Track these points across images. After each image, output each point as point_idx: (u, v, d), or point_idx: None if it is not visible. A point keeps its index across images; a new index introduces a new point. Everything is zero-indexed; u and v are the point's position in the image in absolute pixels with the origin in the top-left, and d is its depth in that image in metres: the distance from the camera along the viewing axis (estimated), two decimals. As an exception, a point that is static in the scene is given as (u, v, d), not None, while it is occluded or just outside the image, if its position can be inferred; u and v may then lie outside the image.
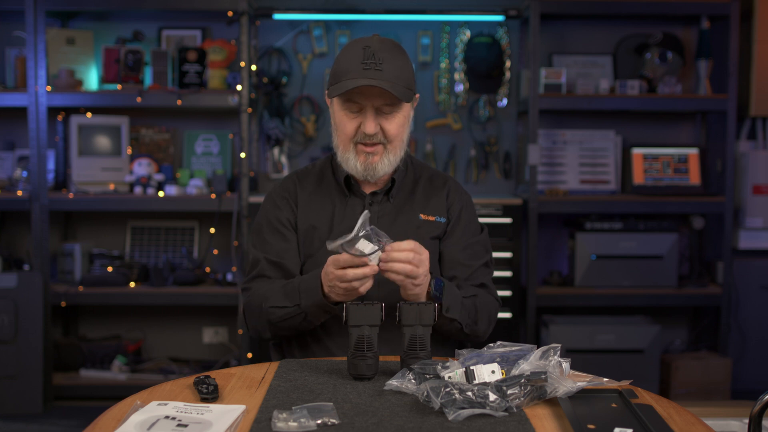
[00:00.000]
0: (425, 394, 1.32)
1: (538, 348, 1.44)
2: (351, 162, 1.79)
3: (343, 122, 1.77)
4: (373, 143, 1.76)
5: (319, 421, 1.26)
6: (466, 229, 1.89)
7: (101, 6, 3.71)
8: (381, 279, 1.79)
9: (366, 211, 1.51)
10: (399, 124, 1.77)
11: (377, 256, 1.54)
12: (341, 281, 1.59)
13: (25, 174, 3.73)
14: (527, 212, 3.70)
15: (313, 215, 1.85)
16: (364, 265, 1.56)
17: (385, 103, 1.74)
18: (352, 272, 1.56)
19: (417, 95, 1.83)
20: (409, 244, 1.60)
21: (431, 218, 1.86)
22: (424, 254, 1.63)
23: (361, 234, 1.50)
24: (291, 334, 1.80)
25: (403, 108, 1.77)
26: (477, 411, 1.29)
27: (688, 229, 3.99)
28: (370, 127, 1.74)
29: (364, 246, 1.50)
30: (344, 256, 1.55)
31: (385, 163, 1.78)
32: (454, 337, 1.81)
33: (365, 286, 1.60)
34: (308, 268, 1.82)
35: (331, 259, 1.60)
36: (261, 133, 3.97)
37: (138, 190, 3.69)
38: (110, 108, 3.81)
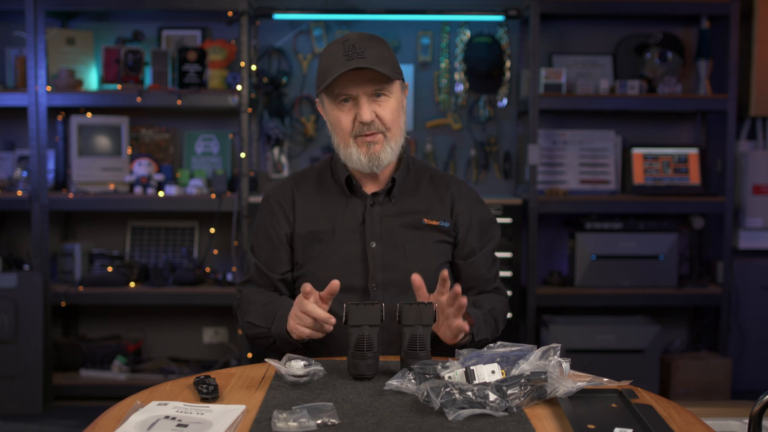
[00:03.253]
0: (425, 394, 1.32)
1: (538, 348, 1.44)
2: (354, 156, 1.77)
3: (338, 118, 1.76)
4: (372, 132, 1.75)
5: (319, 421, 1.26)
6: (481, 233, 1.90)
7: (101, 6, 3.71)
8: (383, 280, 1.79)
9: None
10: (393, 109, 1.77)
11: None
12: (305, 319, 1.60)
13: (25, 174, 3.73)
14: (527, 212, 3.70)
15: (314, 219, 1.84)
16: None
17: (375, 89, 1.73)
18: (316, 312, 1.58)
19: (407, 84, 1.84)
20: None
21: (435, 222, 1.85)
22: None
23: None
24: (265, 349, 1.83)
25: (393, 92, 1.77)
26: (477, 411, 1.29)
27: (688, 229, 3.99)
28: (366, 114, 1.73)
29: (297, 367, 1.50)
30: (310, 307, 1.58)
31: (388, 151, 1.78)
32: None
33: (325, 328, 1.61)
34: (309, 271, 1.82)
35: (298, 300, 1.61)
36: (261, 133, 3.97)
37: (138, 190, 3.69)
38: (110, 108, 3.81)
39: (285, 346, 1.73)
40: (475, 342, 1.73)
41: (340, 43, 1.73)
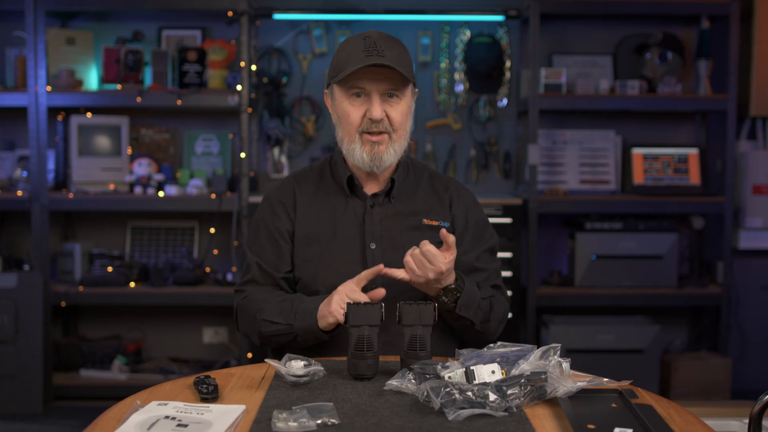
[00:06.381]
0: (425, 394, 1.32)
1: (538, 348, 1.44)
2: (357, 153, 1.78)
3: (347, 111, 1.77)
4: (379, 131, 1.76)
5: (319, 421, 1.26)
6: (475, 236, 1.89)
7: (101, 6, 3.71)
8: (383, 282, 1.79)
9: None
10: (403, 112, 1.78)
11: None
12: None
13: (25, 174, 3.73)
14: (527, 212, 3.70)
15: (313, 220, 1.84)
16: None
17: (389, 88, 1.74)
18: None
19: (417, 90, 1.85)
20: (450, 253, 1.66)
21: (434, 223, 1.85)
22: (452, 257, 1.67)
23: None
24: (279, 347, 1.82)
25: (406, 96, 1.78)
26: (477, 411, 1.29)
27: (688, 229, 3.99)
28: (377, 111, 1.74)
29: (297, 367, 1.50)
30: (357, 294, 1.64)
31: (391, 153, 1.78)
32: (465, 333, 1.84)
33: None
34: (306, 273, 1.82)
35: (348, 288, 1.66)
36: (261, 133, 3.97)
37: (138, 190, 3.69)
38: (110, 108, 3.80)
39: (307, 340, 1.73)
40: (459, 316, 1.73)
41: (362, 38, 1.74)
